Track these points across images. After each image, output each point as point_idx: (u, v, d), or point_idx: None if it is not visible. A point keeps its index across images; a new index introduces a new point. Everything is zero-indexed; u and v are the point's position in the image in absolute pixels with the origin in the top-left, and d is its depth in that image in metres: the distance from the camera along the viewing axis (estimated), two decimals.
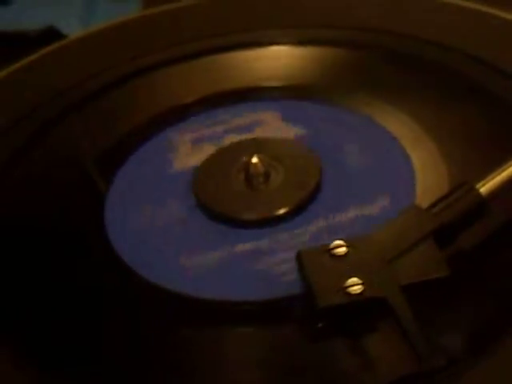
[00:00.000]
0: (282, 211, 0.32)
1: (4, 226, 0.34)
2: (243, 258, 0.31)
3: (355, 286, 0.27)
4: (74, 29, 0.51)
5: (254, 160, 0.33)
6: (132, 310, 0.30)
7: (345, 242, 0.28)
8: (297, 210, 0.32)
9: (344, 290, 0.27)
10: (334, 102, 0.38)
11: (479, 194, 0.29)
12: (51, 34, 0.48)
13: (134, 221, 0.33)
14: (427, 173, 0.33)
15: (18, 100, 0.40)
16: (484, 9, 0.41)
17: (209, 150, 0.36)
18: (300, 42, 0.41)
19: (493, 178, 0.30)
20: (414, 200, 0.32)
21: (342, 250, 0.28)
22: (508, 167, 0.30)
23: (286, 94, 0.39)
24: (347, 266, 0.27)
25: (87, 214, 0.34)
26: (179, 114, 0.39)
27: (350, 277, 0.27)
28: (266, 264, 0.30)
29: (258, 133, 0.37)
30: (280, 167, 0.34)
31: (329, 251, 0.28)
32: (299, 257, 0.28)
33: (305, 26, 0.42)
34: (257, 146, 0.35)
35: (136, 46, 0.43)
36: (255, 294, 0.29)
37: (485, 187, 0.29)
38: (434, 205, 0.29)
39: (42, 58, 0.43)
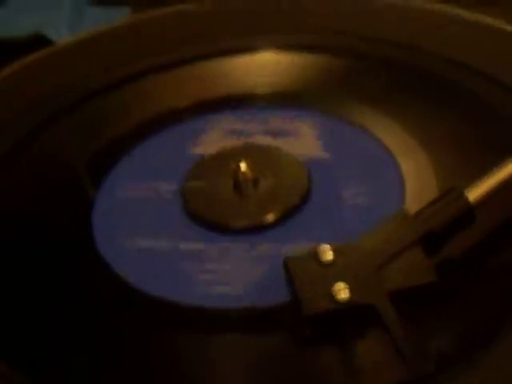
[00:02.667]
0: (271, 218, 0.32)
1: None
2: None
3: (342, 292, 0.26)
4: (62, 35, 0.51)
5: (243, 167, 0.33)
6: (118, 315, 0.29)
7: (332, 248, 0.28)
8: (286, 217, 0.32)
9: (331, 296, 0.26)
10: (323, 109, 0.38)
11: (467, 201, 0.29)
12: (39, 40, 0.48)
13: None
14: (416, 179, 0.33)
15: (6, 106, 0.40)
16: (476, 17, 0.41)
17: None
18: (288, 49, 0.41)
19: (481, 185, 0.29)
20: (403, 206, 0.32)
21: (329, 256, 0.28)
22: (495, 174, 0.30)
23: (276, 100, 0.39)
24: (334, 272, 0.27)
25: (75, 217, 0.34)
26: (169, 120, 0.38)
27: (337, 283, 0.27)
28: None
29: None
30: (269, 174, 0.34)
31: (316, 257, 0.28)
32: (286, 263, 0.28)
33: (292, 32, 0.42)
34: (245, 152, 0.35)
35: (124, 52, 0.43)
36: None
37: (473, 193, 0.29)
38: (421, 211, 0.29)
39: (30, 64, 0.43)
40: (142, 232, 0.32)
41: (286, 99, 0.39)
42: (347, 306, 0.26)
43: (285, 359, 0.27)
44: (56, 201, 0.35)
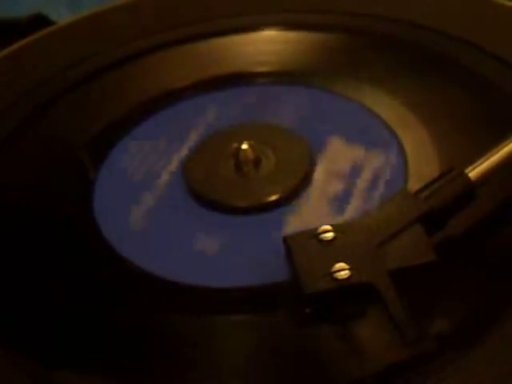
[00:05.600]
0: (272, 198, 0.32)
1: None
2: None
3: (342, 271, 0.26)
4: (62, 15, 0.51)
5: (244, 146, 0.33)
6: (122, 296, 0.30)
7: (332, 227, 0.28)
8: (288, 197, 0.32)
9: (331, 275, 0.26)
10: (322, 86, 0.37)
11: (468, 179, 0.29)
12: (40, 21, 0.48)
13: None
14: (418, 157, 0.33)
15: (7, 87, 0.40)
16: None
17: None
18: (289, 27, 0.41)
19: (482, 163, 0.29)
20: (405, 184, 0.32)
21: (330, 235, 0.28)
22: (497, 151, 0.29)
23: (275, 79, 0.39)
24: (334, 251, 0.27)
25: (76, 199, 0.34)
26: (169, 100, 0.38)
27: (338, 262, 0.27)
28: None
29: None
30: (270, 153, 0.34)
31: (316, 236, 0.28)
32: (286, 241, 0.28)
33: (293, 10, 0.42)
34: (247, 132, 0.35)
35: (125, 32, 0.43)
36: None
37: (474, 172, 0.29)
38: (422, 189, 0.29)
39: (30, 45, 0.43)
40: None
41: (287, 77, 0.39)
42: (347, 284, 0.26)
43: (284, 338, 0.27)
44: (57, 181, 0.35)
